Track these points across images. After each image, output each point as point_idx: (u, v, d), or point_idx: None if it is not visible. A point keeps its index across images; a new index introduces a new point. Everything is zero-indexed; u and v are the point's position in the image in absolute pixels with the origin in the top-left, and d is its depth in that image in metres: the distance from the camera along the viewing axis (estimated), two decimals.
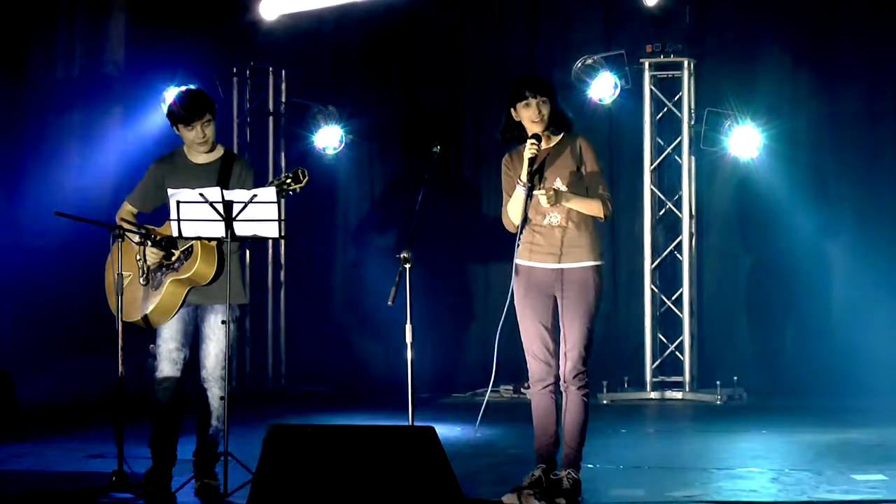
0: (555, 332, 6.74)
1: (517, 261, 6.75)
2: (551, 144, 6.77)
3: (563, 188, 6.65)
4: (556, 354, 6.72)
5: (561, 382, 6.72)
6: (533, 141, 6.64)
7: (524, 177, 6.65)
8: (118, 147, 12.27)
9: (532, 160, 6.65)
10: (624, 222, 12.37)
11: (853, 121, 12.10)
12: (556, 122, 6.76)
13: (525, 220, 6.71)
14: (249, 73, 13.43)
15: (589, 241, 6.72)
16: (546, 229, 6.71)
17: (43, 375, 11.41)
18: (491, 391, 11.87)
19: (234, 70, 13.34)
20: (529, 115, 6.68)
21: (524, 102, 6.68)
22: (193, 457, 7.13)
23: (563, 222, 6.69)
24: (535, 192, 6.61)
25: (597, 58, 12.04)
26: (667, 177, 12.31)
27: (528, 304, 6.73)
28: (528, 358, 6.75)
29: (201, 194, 6.73)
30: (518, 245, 6.73)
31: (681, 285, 12.07)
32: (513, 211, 6.73)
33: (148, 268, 7.04)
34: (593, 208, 6.67)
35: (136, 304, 7.04)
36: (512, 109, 6.74)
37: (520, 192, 6.67)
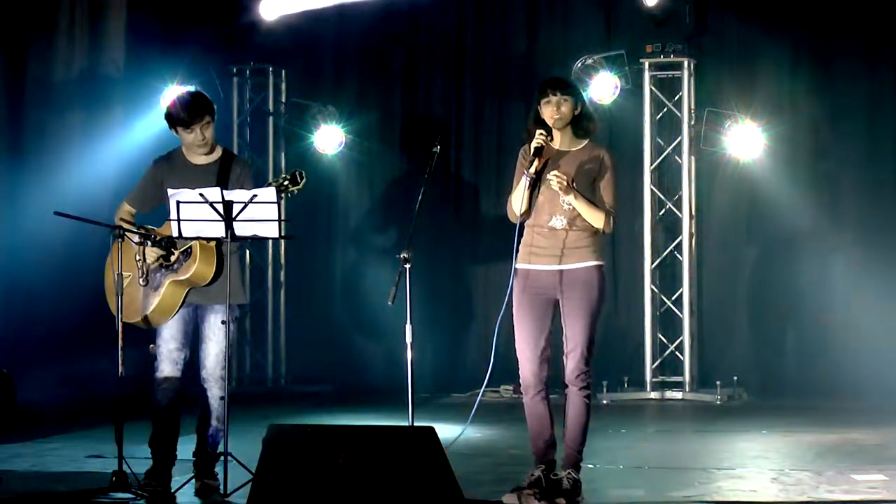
0: (552, 336, 6.74)
1: (517, 265, 6.74)
2: (573, 148, 6.78)
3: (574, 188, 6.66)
4: (550, 360, 6.73)
5: (563, 383, 6.73)
6: (541, 132, 6.66)
7: (532, 168, 6.66)
8: (118, 147, 12.26)
9: (538, 151, 6.65)
10: (624, 222, 12.34)
11: (853, 121, 12.11)
12: (579, 125, 6.77)
13: (528, 213, 6.71)
14: (249, 73, 13.44)
15: (591, 241, 6.71)
16: (549, 231, 6.70)
17: (43, 375, 11.40)
18: (491, 391, 12.03)
19: (234, 70, 13.35)
20: (549, 113, 6.71)
21: (546, 100, 6.71)
22: (193, 457, 7.13)
23: (566, 226, 6.68)
24: (548, 175, 6.61)
25: (597, 58, 12.05)
26: (667, 177, 12.31)
27: (525, 308, 6.72)
28: (521, 362, 6.73)
29: (201, 194, 6.73)
30: (517, 248, 6.73)
31: (681, 285, 12.07)
32: (516, 201, 6.74)
33: (147, 268, 7.04)
34: (596, 217, 6.65)
35: (135, 304, 7.04)
36: (538, 108, 6.76)
37: (523, 182, 6.68)
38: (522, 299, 6.72)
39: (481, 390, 6.94)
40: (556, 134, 6.74)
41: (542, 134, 6.65)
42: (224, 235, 6.78)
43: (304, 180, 6.82)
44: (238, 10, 12.92)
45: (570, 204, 6.66)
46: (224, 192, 6.75)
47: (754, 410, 11.23)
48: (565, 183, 6.57)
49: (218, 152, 7.17)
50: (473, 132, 13.16)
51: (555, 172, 6.59)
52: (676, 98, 12.14)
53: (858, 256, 11.82)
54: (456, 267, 13.07)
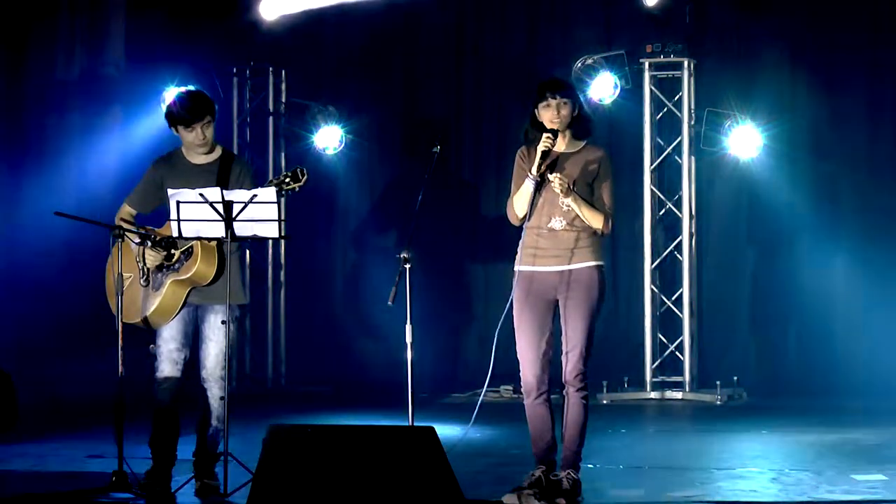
0: (552, 338, 6.74)
1: (518, 267, 6.74)
2: (572, 150, 6.78)
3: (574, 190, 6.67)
4: (550, 362, 6.73)
5: (561, 383, 6.73)
6: (548, 135, 6.66)
7: (534, 170, 6.67)
8: (118, 147, 12.27)
9: (545, 154, 6.66)
10: (624, 222, 12.35)
11: (853, 121, 12.11)
12: (577, 127, 6.78)
13: (529, 216, 6.71)
14: (249, 73, 13.44)
15: (591, 242, 6.74)
16: (549, 232, 6.70)
17: (43, 375, 11.40)
18: (491, 391, 12.03)
19: (234, 70, 13.35)
20: (549, 116, 6.71)
21: (545, 103, 6.71)
22: (193, 457, 7.13)
23: (566, 227, 6.69)
24: (549, 177, 6.61)
25: (597, 58, 12.05)
26: (667, 177, 12.31)
27: (526, 311, 6.72)
28: (522, 365, 6.74)
29: (201, 194, 6.73)
30: (519, 250, 6.73)
31: (681, 285, 12.07)
32: (519, 203, 6.74)
33: (148, 269, 7.04)
34: (596, 219, 6.67)
35: (136, 305, 7.04)
36: (535, 111, 6.76)
37: (528, 185, 6.68)
38: (524, 302, 6.73)
39: (482, 392, 6.94)
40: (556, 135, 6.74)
41: (548, 137, 6.66)
42: (224, 235, 6.78)
43: (305, 177, 6.82)
44: (238, 10, 12.92)
45: (568, 205, 6.67)
46: (224, 192, 6.76)
47: (754, 410, 11.23)
48: (567, 186, 6.58)
49: (218, 152, 7.18)
50: (473, 132, 13.16)
51: (557, 175, 6.60)
52: (676, 98, 12.13)
53: (858, 256, 11.81)
54: (456, 267, 13.07)
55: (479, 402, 6.89)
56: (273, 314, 13.40)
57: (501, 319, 6.65)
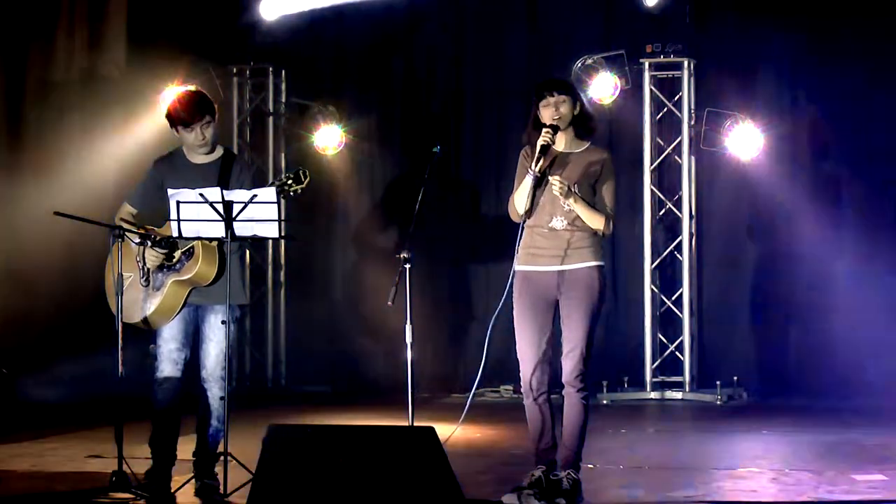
0: (552, 338, 6.74)
1: (517, 267, 6.74)
2: (575, 150, 6.78)
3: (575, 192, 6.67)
4: (550, 362, 6.73)
5: (561, 384, 6.73)
6: (547, 129, 6.66)
7: (534, 165, 6.66)
8: (118, 147, 12.27)
9: (545, 148, 6.65)
10: (624, 222, 12.35)
11: (853, 121, 12.10)
12: (579, 126, 6.78)
13: (529, 213, 6.71)
14: (249, 73, 13.44)
15: (591, 242, 6.73)
16: (549, 231, 6.71)
17: (43, 375, 11.41)
18: (491, 391, 12.02)
19: (234, 70, 13.35)
20: (548, 115, 6.71)
21: (544, 102, 6.72)
22: (193, 457, 7.13)
23: (567, 226, 6.69)
24: (550, 178, 6.61)
25: (597, 58, 12.05)
26: (667, 177, 12.32)
27: (525, 311, 6.72)
28: (522, 364, 6.74)
29: (201, 194, 6.72)
30: (517, 250, 6.73)
31: (681, 285, 12.07)
32: (519, 199, 6.74)
33: (148, 269, 7.04)
34: (596, 221, 6.67)
35: (136, 305, 7.03)
36: (537, 112, 6.76)
37: (527, 180, 6.69)
38: (523, 301, 6.73)
39: (471, 393, 6.96)
40: (558, 135, 6.74)
41: (547, 132, 6.66)
42: (224, 235, 6.78)
43: (307, 179, 6.82)
44: (238, 10, 12.92)
45: (570, 206, 6.67)
46: (224, 192, 6.75)
47: (754, 410, 11.23)
48: (567, 188, 6.58)
49: (219, 152, 7.17)
50: (473, 132, 13.16)
51: (557, 178, 6.60)
52: (676, 98, 12.14)
53: (858, 256, 11.81)
54: (456, 267, 13.07)
55: (468, 402, 6.88)
56: (273, 314, 13.40)
57: (493, 319, 6.65)
